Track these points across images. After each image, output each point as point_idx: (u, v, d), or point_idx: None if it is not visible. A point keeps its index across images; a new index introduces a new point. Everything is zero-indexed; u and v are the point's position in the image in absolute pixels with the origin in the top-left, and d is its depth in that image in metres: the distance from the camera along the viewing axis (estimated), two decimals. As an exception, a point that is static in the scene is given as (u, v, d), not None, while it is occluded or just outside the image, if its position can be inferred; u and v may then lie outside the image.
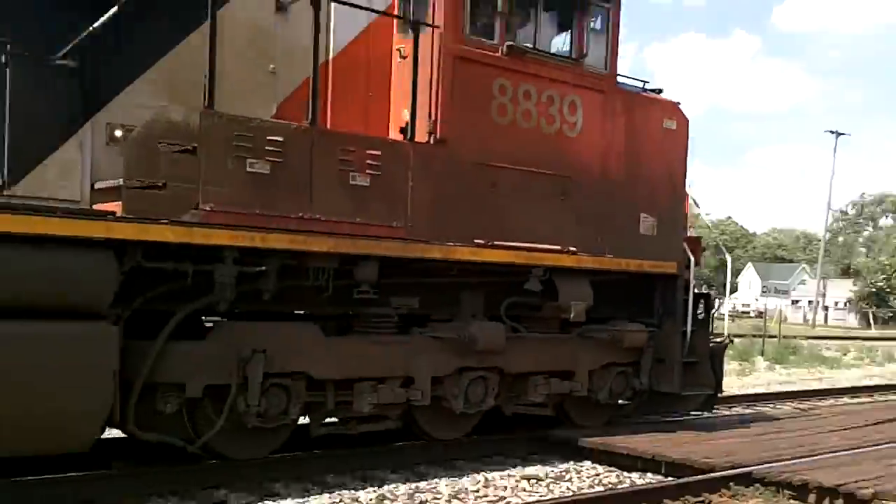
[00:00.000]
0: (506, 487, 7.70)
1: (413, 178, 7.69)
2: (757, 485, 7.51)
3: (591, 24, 9.03)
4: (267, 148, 6.91)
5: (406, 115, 7.94)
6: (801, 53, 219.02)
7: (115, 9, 6.57)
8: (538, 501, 6.93)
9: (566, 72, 8.80)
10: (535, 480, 7.97)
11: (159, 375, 6.75)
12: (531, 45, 8.55)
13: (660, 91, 10.00)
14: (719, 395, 10.75)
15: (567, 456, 8.88)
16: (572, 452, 8.89)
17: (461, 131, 8.01)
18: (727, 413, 12.25)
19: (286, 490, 7.28)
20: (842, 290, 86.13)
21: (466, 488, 7.58)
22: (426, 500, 7.17)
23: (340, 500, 7.00)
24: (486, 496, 7.41)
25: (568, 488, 7.85)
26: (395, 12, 8.29)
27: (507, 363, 8.68)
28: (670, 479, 7.90)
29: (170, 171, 6.49)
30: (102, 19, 6.53)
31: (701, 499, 7.27)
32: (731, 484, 7.51)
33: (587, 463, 8.71)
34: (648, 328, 9.64)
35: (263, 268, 7.03)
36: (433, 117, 7.85)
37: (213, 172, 6.66)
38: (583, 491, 7.67)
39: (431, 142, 7.86)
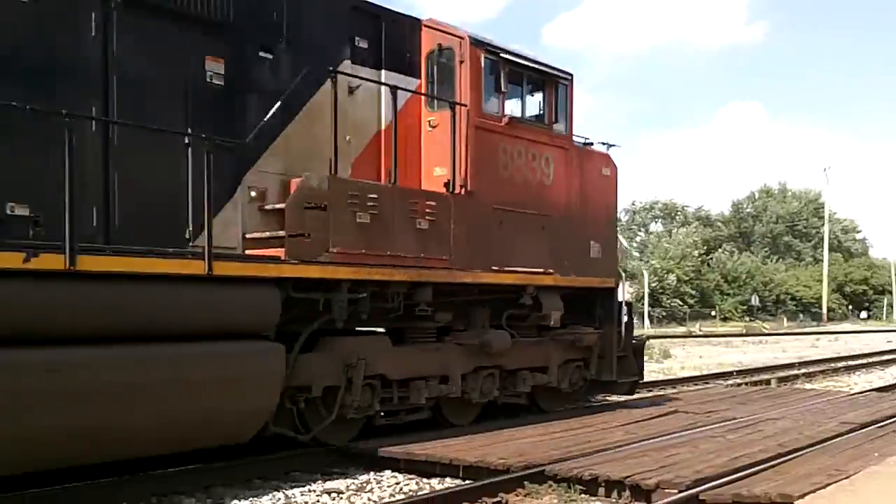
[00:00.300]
0: (307, 503, 7.75)
1: (453, 221, 10.03)
2: (550, 482, 7.84)
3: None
4: (368, 203, 9.08)
5: (437, 172, 10.28)
6: (573, 63, 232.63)
7: (277, 104, 8.58)
8: None
9: (542, 135, 11.43)
10: (336, 494, 7.99)
11: (294, 380, 8.74)
12: (520, 116, 11.11)
13: (590, 143, 12.78)
14: (640, 381, 13.67)
15: (368, 467, 9.00)
16: (373, 463, 9.03)
17: (481, 184, 10.42)
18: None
19: None
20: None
21: None
22: None
23: None
24: None
25: (369, 499, 7.91)
26: (423, 91, 10.57)
27: (507, 362, 11.15)
28: (468, 482, 8.13)
29: (311, 224, 8.55)
30: (267, 116, 8.53)
31: (498, 499, 7.56)
32: (525, 483, 7.84)
33: (388, 472, 8.84)
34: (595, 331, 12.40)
35: (364, 294, 9.18)
36: (464, 174, 10.22)
37: (337, 223, 8.76)
38: (384, 501, 7.77)
39: (463, 193, 10.23)
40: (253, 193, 8.79)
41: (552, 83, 11.58)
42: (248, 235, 8.68)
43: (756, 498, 6.86)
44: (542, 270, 11.27)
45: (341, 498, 7.92)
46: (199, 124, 8.13)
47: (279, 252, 8.38)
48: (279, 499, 7.82)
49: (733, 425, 10.69)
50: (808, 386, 18.43)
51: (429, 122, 10.48)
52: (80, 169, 7.15)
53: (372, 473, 8.84)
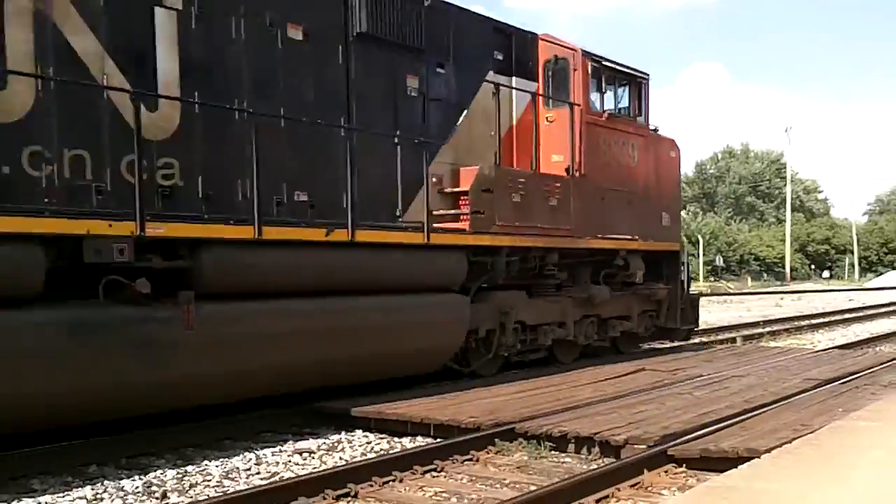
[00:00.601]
0: (278, 463, 7.71)
1: (572, 198, 12.60)
2: (520, 439, 7.91)
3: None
4: (518, 186, 11.61)
5: (554, 158, 12.82)
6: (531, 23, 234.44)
7: (465, 113, 11.08)
8: (311, 474, 6.89)
9: (629, 125, 14.01)
10: (307, 454, 8.01)
11: (470, 325, 11.30)
12: (614, 111, 13.68)
13: (657, 129, 15.37)
14: (696, 328, 16.41)
15: (339, 426, 9.04)
16: (344, 423, 9.07)
17: (589, 168, 12.99)
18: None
19: (43, 485, 6.97)
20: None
21: (238, 468, 7.52)
22: (196, 483, 7.04)
23: (105, 491, 6.77)
24: (258, 473, 7.37)
25: (341, 458, 7.91)
26: (542, 93, 13.07)
27: (603, 312, 13.80)
28: (439, 440, 8.16)
29: (485, 203, 11.07)
30: (459, 120, 11.04)
31: (469, 456, 7.58)
32: (496, 440, 7.89)
33: (359, 432, 8.88)
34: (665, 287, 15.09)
35: (516, 257, 11.76)
36: (579, 160, 12.79)
37: (500, 203, 11.29)
38: (356, 459, 7.77)
39: (578, 176, 12.79)
40: (433, 179, 11.24)
41: (636, 82, 14.15)
42: (434, 212, 11.17)
43: (723, 452, 6.89)
44: (629, 237, 13.89)
45: (312, 457, 7.93)
46: (402, 127, 10.59)
47: (454, 226, 10.87)
48: (250, 459, 7.80)
49: (700, 382, 10.82)
50: (772, 344, 18.51)
51: (546, 117, 12.98)
52: (335, 164, 9.64)
53: (343, 433, 8.85)
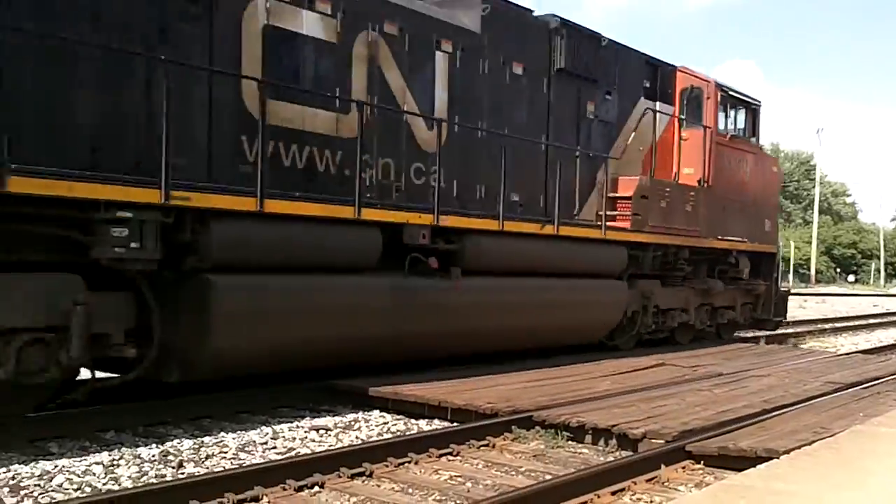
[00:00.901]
0: (294, 438, 7.68)
1: (702, 205, 15.17)
2: (537, 427, 7.86)
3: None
4: (665, 194, 14.20)
5: (686, 171, 15.39)
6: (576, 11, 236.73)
7: (622, 131, 13.68)
8: (327, 451, 6.89)
9: (744, 144, 16.57)
10: (323, 430, 8.00)
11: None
12: (735, 132, 16.25)
13: (762, 148, 17.90)
14: (784, 321, 19.00)
15: (356, 405, 9.11)
16: (361, 402, 9.13)
17: (715, 180, 15.54)
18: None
19: (61, 449, 7.03)
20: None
21: (254, 441, 7.51)
22: (213, 455, 7.02)
23: (121, 458, 6.77)
24: (274, 448, 7.35)
25: (357, 437, 7.90)
26: (678, 116, 15.62)
27: (715, 301, 16.39)
28: (456, 424, 8.15)
29: (642, 208, 13.66)
30: (618, 137, 13.65)
31: (485, 442, 7.53)
32: (513, 427, 7.83)
33: (376, 412, 8.90)
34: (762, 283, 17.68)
35: (659, 252, 14.36)
36: (708, 174, 15.35)
37: (651, 208, 13.88)
38: (372, 439, 7.75)
39: (706, 187, 15.35)
40: (598, 186, 13.85)
41: (751, 108, 16.69)
42: (599, 213, 13.78)
43: (742, 451, 6.83)
44: (740, 239, 16.46)
45: (329, 435, 7.92)
46: (581, 143, 13.20)
47: (616, 224, 13.42)
48: (267, 433, 7.81)
49: (720, 380, 10.81)
50: (794, 345, 18.70)
51: (681, 136, 15.54)
52: (537, 172, 12.25)
53: (360, 412, 8.89)
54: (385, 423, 8.56)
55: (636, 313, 14.28)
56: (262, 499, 5.82)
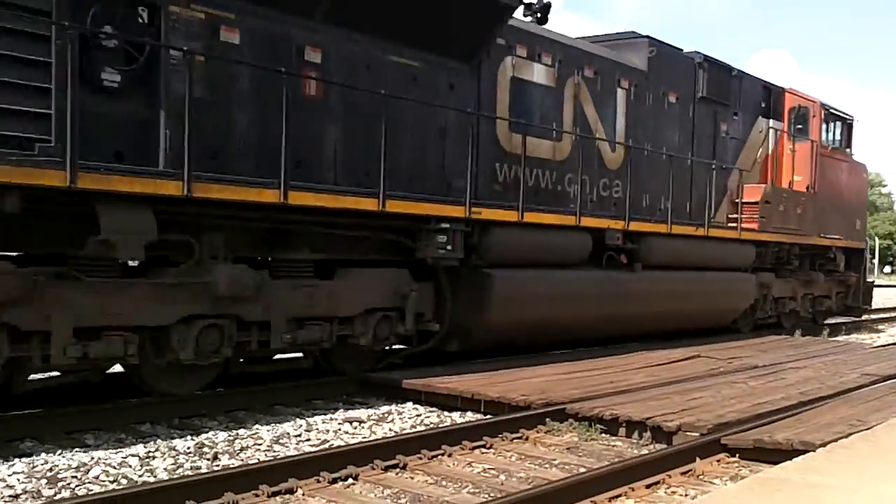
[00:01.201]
0: (328, 431, 7.68)
1: (808, 208, 17.68)
2: (571, 420, 7.79)
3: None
4: (783, 199, 16.73)
5: (795, 178, 17.91)
6: (597, 10, 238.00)
7: (745, 145, 16.26)
8: (361, 443, 6.85)
9: (841, 154, 19.08)
10: (357, 423, 7.98)
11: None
12: (834, 144, 18.77)
13: (852, 155, 20.36)
14: (869, 308, 21.48)
15: (389, 398, 9.12)
16: (394, 394, 9.14)
17: (819, 185, 18.06)
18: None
19: (97, 441, 7.07)
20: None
21: (288, 433, 7.52)
22: (247, 447, 7.02)
23: (157, 450, 6.79)
24: (308, 440, 7.36)
25: (390, 429, 7.86)
26: (787, 131, 18.14)
27: (815, 291, 18.85)
28: (489, 416, 8.08)
29: (766, 211, 16.20)
30: (741, 151, 16.23)
31: (519, 435, 7.48)
32: (546, 420, 7.75)
33: (409, 405, 8.90)
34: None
35: (776, 249, 16.90)
36: (814, 181, 17.87)
37: (772, 211, 16.41)
38: (405, 431, 7.71)
39: (812, 192, 17.87)
40: (728, 193, 16.39)
41: (847, 123, 19.19)
42: (728, 216, 16.28)
43: (777, 444, 6.75)
44: (838, 237, 18.99)
45: (363, 427, 7.91)
46: (717, 157, 15.78)
47: (745, 226, 15.95)
48: (301, 425, 7.81)
49: (755, 373, 10.71)
50: (830, 337, 18.12)
51: (789, 149, 18.04)
52: (682, 184, 14.83)
53: (393, 405, 8.91)
54: (418, 416, 8.57)
55: (756, 300, 16.82)
56: (296, 491, 5.83)
